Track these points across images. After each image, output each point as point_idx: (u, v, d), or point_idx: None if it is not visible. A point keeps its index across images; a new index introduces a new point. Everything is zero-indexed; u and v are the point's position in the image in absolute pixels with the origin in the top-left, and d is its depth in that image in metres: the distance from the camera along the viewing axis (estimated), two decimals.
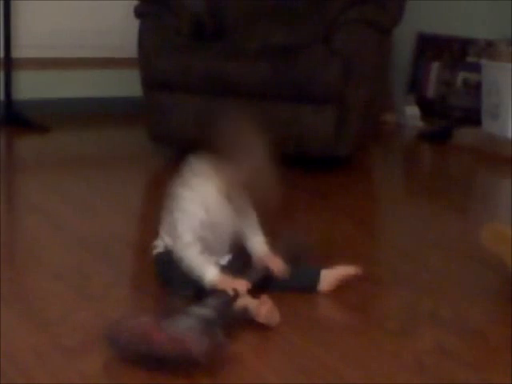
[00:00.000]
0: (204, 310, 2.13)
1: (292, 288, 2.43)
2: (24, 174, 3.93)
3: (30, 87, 5.08)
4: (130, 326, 2.03)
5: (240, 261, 2.46)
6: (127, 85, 5.11)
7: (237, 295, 2.24)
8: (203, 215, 2.33)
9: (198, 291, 2.27)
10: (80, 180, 3.78)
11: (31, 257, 2.75)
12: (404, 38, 5.28)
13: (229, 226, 2.44)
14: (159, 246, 2.46)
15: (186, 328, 2.03)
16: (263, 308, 2.19)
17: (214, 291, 2.25)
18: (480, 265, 2.80)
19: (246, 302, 2.23)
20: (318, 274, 2.47)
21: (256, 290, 2.30)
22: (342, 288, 2.49)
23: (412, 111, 5.37)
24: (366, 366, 2.06)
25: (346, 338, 2.23)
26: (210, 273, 2.28)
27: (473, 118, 4.99)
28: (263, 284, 2.39)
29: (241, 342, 2.11)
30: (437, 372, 2.05)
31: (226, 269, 2.36)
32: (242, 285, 2.27)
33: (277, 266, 2.45)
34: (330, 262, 2.54)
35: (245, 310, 2.20)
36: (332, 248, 2.95)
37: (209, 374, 1.96)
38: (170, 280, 2.37)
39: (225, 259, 2.44)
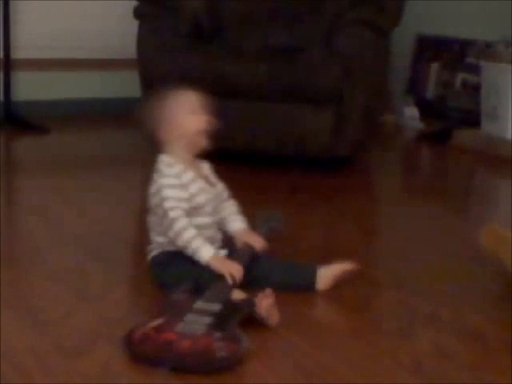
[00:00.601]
0: (210, 305, 2.14)
1: (289, 286, 2.44)
2: (23, 174, 3.93)
3: (29, 88, 5.08)
4: (148, 340, 2.02)
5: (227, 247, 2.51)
6: (126, 86, 5.12)
7: (235, 283, 2.27)
8: (184, 196, 2.40)
9: (197, 285, 2.27)
10: (79, 181, 3.79)
11: (30, 258, 2.75)
12: (403, 40, 5.29)
13: (211, 209, 2.48)
14: (153, 249, 2.48)
15: (201, 328, 2.04)
16: (265, 301, 2.19)
17: (212, 283, 2.27)
18: (479, 266, 2.80)
19: (241, 296, 2.26)
20: (314, 273, 2.47)
21: (245, 280, 2.32)
22: (342, 289, 2.49)
23: (411, 112, 5.38)
24: (364, 367, 2.06)
25: (345, 339, 2.23)
26: (206, 252, 2.35)
27: (472, 119, 4.99)
28: (250, 266, 2.41)
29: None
30: (435, 374, 2.05)
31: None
32: (237, 269, 2.33)
33: (257, 241, 2.50)
34: (327, 263, 2.54)
35: (251, 302, 2.19)
36: (331, 249, 2.95)
37: (208, 374, 1.96)
38: (167, 282, 2.38)
39: (221, 253, 2.46)
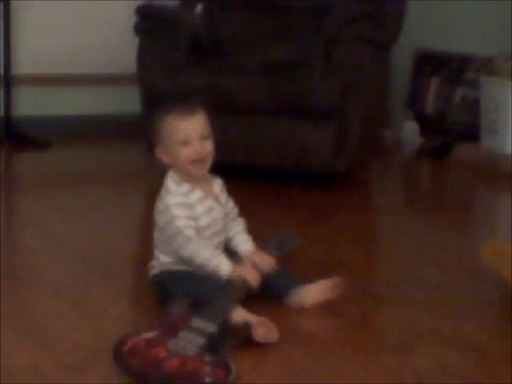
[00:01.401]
0: (205, 324, 2.12)
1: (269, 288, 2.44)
2: (24, 190, 3.94)
3: (29, 104, 5.09)
4: (138, 353, 2.01)
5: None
6: (127, 101, 5.12)
7: (228, 308, 2.25)
8: (191, 217, 2.39)
9: (195, 301, 2.27)
10: (80, 196, 3.79)
11: (31, 273, 2.75)
12: (402, 54, 5.30)
13: (218, 229, 2.47)
14: (154, 266, 2.47)
15: (192, 349, 2.01)
16: (260, 329, 2.18)
17: (211, 301, 2.25)
18: (480, 281, 2.80)
19: (244, 316, 2.23)
20: (296, 291, 2.45)
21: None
22: (342, 303, 2.48)
23: (411, 127, 5.38)
24: (365, 382, 2.06)
25: (346, 354, 2.22)
26: (224, 265, 2.35)
27: (472, 133, 4.99)
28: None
29: (238, 356, 2.11)
30: None
31: None
32: (255, 276, 2.35)
33: (266, 261, 2.47)
34: (328, 278, 2.54)
35: (247, 325, 2.19)
36: (330, 264, 2.95)
37: None
38: (168, 300, 2.37)
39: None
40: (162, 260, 2.44)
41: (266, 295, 2.43)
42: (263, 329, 2.18)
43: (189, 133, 2.41)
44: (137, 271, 2.86)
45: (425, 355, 2.22)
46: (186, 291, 2.31)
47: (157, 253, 2.47)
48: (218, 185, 2.52)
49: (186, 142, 2.41)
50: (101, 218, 3.45)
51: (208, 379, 1.94)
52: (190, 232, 2.36)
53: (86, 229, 3.29)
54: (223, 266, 2.35)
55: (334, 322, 2.43)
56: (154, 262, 2.48)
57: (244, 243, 2.55)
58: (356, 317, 2.47)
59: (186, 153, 2.40)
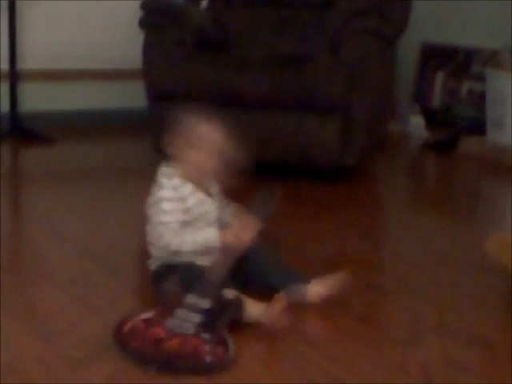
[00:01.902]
0: (200, 300, 2.13)
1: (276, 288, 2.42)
2: (29, 185, 3.94)
3: (35, 99, 5.09)
4: (137, 334, 2.05)
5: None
6: (132, 96, 5.13)
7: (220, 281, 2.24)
8: (180, 209, 2.37)
9: (186, 277, 2.27)
10: (85, 191, 3.79)
11: (36, 268, 2.75)
12: (408, 48, 5.29)
13: (211, 219, 2.46)
14: (151, 263, 2.47)
15: (190, 327, 2.04)
16: (275, 308, 2.19)
17: (203, 277, 2.25)
18: (486, 274, 2.79)
19: (256, 310, 2.24)
20: (306, 284, 2.45)
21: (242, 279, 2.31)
22: (349, 297, 2.48)
23: (417, 121, 5.37)
24: (371, 375, 2.06)
25: (352, 347, 2.22)
26: (211, 234, 2.34)
27: (478, 127, 4.98)
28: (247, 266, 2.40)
29: (244, 350, 2.11)
30: (443, 382, 2.04)
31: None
32: (249, 230, 2.33)
33: (250, 222, 2.45)
34: (335, 271, 2.53)
35: (238, 299, 2.20)
36: (338, 257, 2.95)
37: (208, 378, 1.96)
38: (167, 295, 2.37)
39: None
40: (156, 255, 2.44)
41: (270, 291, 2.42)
42: (278, 309, 2.19)
43: (215, 145, 2.40)
44: (142, 266, 2.85)
45: (431, 348, 2.22)
46: (184, 283, 2.32)
47: (150, 249, 2.47)
48: (215, 187, 2.52)
49: (206, 150, 2.40)
50: (106, 214, 3.45)
51: (208, 358, 1.99)
52: (175, 226, 2.35)
53: (92, 224, 3.29)
54: (210, 236, 2.35)
55: (340, 315, 2.43)
56: (150, 260, 2.48)
57: (228, 214, 2.53)
58: (362, 310, 2.47)
59: (200, 159, 2.41)
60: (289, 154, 4.05)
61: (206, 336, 2.03)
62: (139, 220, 3.49)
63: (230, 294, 2.25)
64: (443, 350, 2.20)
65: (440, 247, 3.15)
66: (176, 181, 2.42)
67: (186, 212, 2.39)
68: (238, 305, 2.21)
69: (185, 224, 2.38)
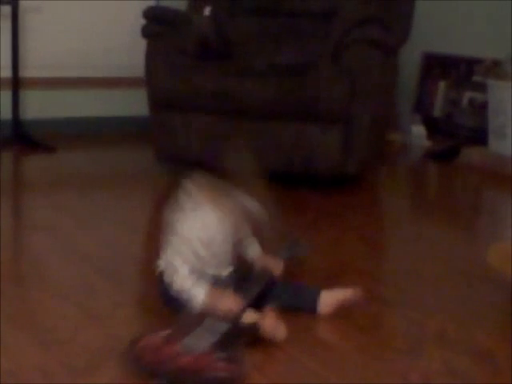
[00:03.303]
0: (218, 324, 2.13)
1: (291, 307, 2.43)
2: (31, 192, 3.94)
3: (37, 107, 5.10)
4: (150, 350, 2.04)
5: (241, 272, 2.48)
6: (134, 104, 5.14)
7: (242, 310, 2.24)
8: (200, 240, 2.34)
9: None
10: (87, 199, 3.79)
11: (38, 276, 2.75)
12: (410, 58, 5.30)
13: (226, 245, 2.45)
14: (161, 265, 2.47)
15: (205, 346, 2.04)
16: (267, 320, 2.19)
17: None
18: (487, 285, 2.79)
19: (252, 318, 2.24)
20: (317, 297, 2.46)
21: (258, 303, 2.31)
22: (349, 307, 2.48)
23: (418, 130, 5.38)
24: None
25: (353, 357, 2.22)
26: (199, 298, 2.29)
27: (479, 137, 4.99)
28: (265, 297, 2.39)
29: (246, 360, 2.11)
30: None
31: (226, 281, 2.39)
32: (232, 303, 2.27)
33: (275, 265, 2.47)
34: (336, 281, 2.54)
35: (255, 326, 2.20)
36: (339, 267, 2.94)
37: None
38: (171, 298, 2.37)
39: (226, 270, 2.45)
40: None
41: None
42: (269, 320, 2.19)
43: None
44: (144, 274, 2.86)
45: (433, 359, 2.21)
46: None
47: (162, 254, 2.45)
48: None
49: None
50: (108, 221, 3.45)
51: (220, 374, 1.98)
52: (183, 271, 2.32)
53: (93, 231, 3.29)
54: (197, 296, 2.30)
55: (341, 324, 2.43)
56: (160, 261, 2.46)
57: (254, 246, 2.55)
58: (364, 320, 2.46)
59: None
60: (290, 162, 4.05)
61: (219, 354, 2.02)
62: (140, 227, 3.51)
63: (247, 317, 2.24)
64: (444, 361, 2.20)
65: (441, 257, 3.15)
66: (199, 204, 2.37)
67: (204, 235, 2.36)
68: (253, 330, 2.19)
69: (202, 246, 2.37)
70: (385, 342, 2.34)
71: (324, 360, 2.18)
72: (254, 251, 2.55)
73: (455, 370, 2.15)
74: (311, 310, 2.45)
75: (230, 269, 2.47)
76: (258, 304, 2.33)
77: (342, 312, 2.46)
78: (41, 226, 3.33)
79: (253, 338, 2.17)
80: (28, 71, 5.02)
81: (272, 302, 2.35)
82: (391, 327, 2.50)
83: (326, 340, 2.37)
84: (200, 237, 2.35)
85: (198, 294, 2.29)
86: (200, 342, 2.06)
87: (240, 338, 2.13)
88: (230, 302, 2.27)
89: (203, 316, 2.18)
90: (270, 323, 2.20)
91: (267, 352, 2.17)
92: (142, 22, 4.34)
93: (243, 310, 2.25)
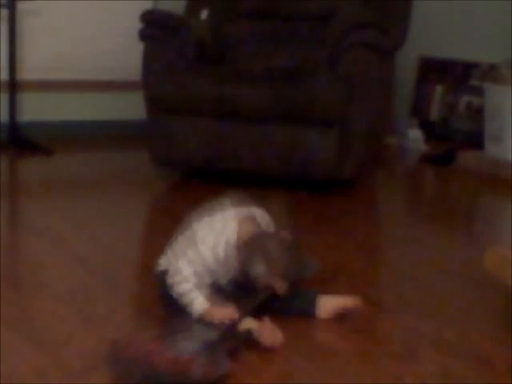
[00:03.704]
0: (208, 333, 2.13)
1: (289, 312, 2.43)
2: (27, 196, 3.94)
3: (34, 109, 5.10)
4: (133, 345, 2.05)
5: (241, 281, 2.45)
6: (131, 107, 5.14)
7: (237, 321, 2.24)
8: (211, 260, 2.33)
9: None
10: (83, 202, 3.79)
11: (34, 279, 2.75)
12: (407, 62, 5.31)
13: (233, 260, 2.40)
14: (162, 263, 2.46)
15: (188, 351, 2.03)
16: (266, 332, 2.19)
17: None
18: (483, 288, 2.79)
19: (249, 324, 2.23)
20: (315, 301, 2.46)
21: (257, 312, 2.31)
22: (348, 312, 2.48)
23: (415, 134, 5.38)
24: None
25: (350, 361, 2.22)
26: (198, 305, 2.28)
27: (476, 141, 5.00)
28: (264, 307, 2.38)
29: (241, 363, 2.11)
30: None
31: (224, 289, 2.38)
32: (230, 314, 2.25)
33: (279, 285, 2.45)
34: (332, 285, 2.54)
35: (248, 333, 2.20)
36: (335, 271, 2.94)
37: None
38: (172, 298, 2.37)
39: (225, 279, 2.44)
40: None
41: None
42: (268, 331, 2.19)
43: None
44: (140, 278, 2.86)
45: (428, 363, 2.21)
46: None
47: (168, 251, 2.44)
48: None
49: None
50: (104, 225, 3.45)
51: (195, 373, 1.97)
52: (186, 274, 2.31)
53: (89, 235, 3.29)
54: (196, 305, 2.28)
55: (337, 328, 2.43)
56: (163, 259, 2.45)
57: (259, 265, 2.48)
58: (359, 324, 2.46)
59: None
60: (287, 166, 4.05)
61: (201, 359, 2.01)
62: (137, 231, 3.51)
63: (248, 324, 2.24)
64: (441, 365, 2.20)
65: (438, 261, 3.15)
66: (225, 224, 2.34)
67: (215, 256, 2.34)
68: (245, 337, 2.19)
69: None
70: (381, 346, 2.34)
71: (321, 364, 2.18)
72: (260, 270, 2.51)
73: (452, 374, 2.15)
74: (309, 313, 2.45)
75: (230, 277, 2.46)
76: (255, 313, 2.33)
77: (338, 315, 2.46)
78: (37, 229, 3.33)
79: (243, 344, 2.17)
80: (25, 74, 5.02)
81: (268, 308, 2.36)
82: (387, 331, 2.49)
83: (322, 344, 2.37)
84: (209, 261, 2.33)
85: (197, 299, 2.29)
86: (183, 346, 2.05)
87: (227, 345, 2.11)
88: (226, 313, 2.26)
89: (193, 322, 2.17)
90: (267, 333, 2.20)
91: (264, 356, 2.17)
92: (139, 25, 4.34)
93: (238, 322, 2.24)
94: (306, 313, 2.45)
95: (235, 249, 2.32)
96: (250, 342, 2.18)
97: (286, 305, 2.43)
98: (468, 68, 5.25)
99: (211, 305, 2.28)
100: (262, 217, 2.43)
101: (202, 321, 2.19)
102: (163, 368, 1.97)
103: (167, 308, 2.38)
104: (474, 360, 2.25)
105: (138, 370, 1.98)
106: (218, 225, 2.34)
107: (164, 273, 2.43)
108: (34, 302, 2.54)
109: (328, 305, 2.45)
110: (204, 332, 2.13)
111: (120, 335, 2.19)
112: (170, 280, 2.34)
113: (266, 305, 2.38)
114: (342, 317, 2.45)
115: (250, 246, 2.30)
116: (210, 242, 2.32)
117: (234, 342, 2.15)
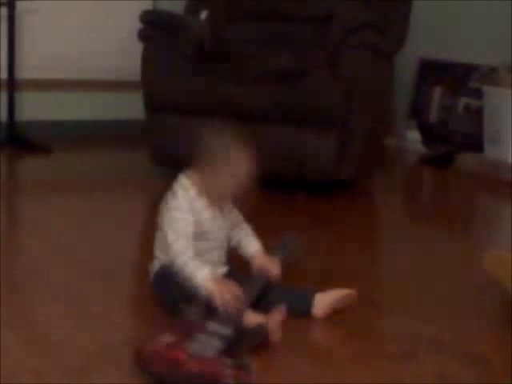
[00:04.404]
0: (221, 327, 2.13)
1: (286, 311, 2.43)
2: (26, 195, 3.94)
3: (32, 109, 5.10)
4: (160, 355, 2.03)
5: (239, 272, 2.49)
6: (130, 107, 5.13)
7: (242, 311, 2.24)
8: (191, 221, 2.38)
9: (207, 307, 2.26)
10: (82, 201, 3.79)
11: (32, 278, 2.74)
12: (406, 63, 5.30)
13: (221, 236, 2.49)
14: (155, 265, 2.47)
15: (212, 351, 2.03)
16: (273, 321, 2.21)
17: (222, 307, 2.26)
18: (482, 290, 2.79)
19: (256, 319, 2.24)
20: (311, 299, 2.46)
21: (256, 304, 2.32)
22: (344, 312, 2.48)
23: (414, 136, 5.39)
24: None
25: (347, 362, 2.22)
26: (200, 274, 2.30)
27: (474, 143, 5.00)
28: (262, 296, 2.40)
29: None
30: None
31: (225, 278, 2.40)
32: (234, 289, 2.28)
33: (272, 267, 2.47)
34: (331, 285, 2.54)
35: (261, 327, 2.20)
36: (333, 272, 2.94)
37: None
38: (168, 297, 2.37)
39: (223, 269, 2.47)
40: (162, 259, 2.45)
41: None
42: (277, 322, 2.21)
43: (241, 173, 2.41)
44: (138, 277, 2.86)
45: (425, 364, 2.21)
46: (185, 290, 2.32)
47: (157, 252, 2.47)
48: (227, 206, 2.52)
49: (240, 178, 2.40)
50: (102, 225, 3.45)
51: (228, 381, 1.96)
52: (180, 243, 2.36)
53: (88, 235, 3.29)
54: (198, 275, 2.31)
55: (335, 329, 2.43)
56: (154, 262, 2.48)
57: (252, 244, 2.55)
58: (357, 325, 2.46)
59: (223, 183, 2.41)
60: (286, 167, 4.05)
61: (227, 361, 2.01)
62: (135, 231, 3.51)
63: (254, 319, 2.25)
64: (439, 367, 2.20)
65: (436, 262, 3.15)
66: (192, 193, 2.43)
67: (197, 225, 2.40)
68: (260, 333, 2.19)
69: (195, 236, 2.39)
70: (379, 347, 2.34)
71: (318, 364, 2.18)
72: (253, 248, 2.54)
73: (448, 376, 2.15)
74: (305, 312, 2.45)
75: (226, 268, 2.48)
76: (255, 305, 2.34)
77: (336, 316, 2.46)
78: (35, 228, 3.33)
79: (260, 340, 2.18)
80: (24, 73, 5.02)
81: (276, 303, 2.37)
82: (385, 332, 2.50)
83: (320, 344, 2.37)
84: (190, 221, 2.38)
85: (198, 269, 2.31)
86: (206, 348, 2.04)
87: (246, 343, 2.12)
88: (229, 289, 2.28)
89: (205, 320, 2.17)
90: (275, 325, 2.20)
91: (264, 357, 2.17)
92: (139, 25, 4.33)
93: (244, 310, 2.25)
94: (303, 312, 2.45)
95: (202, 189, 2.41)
96: (263, 338, 2.18)
97: (283, 304, 2.43)
98: (467, 70, 5.26)
99: (214, 281, 2.30)
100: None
101: (212, 317, 2.18)
102: (193, 375, 1.96)
103: (164, 309, 2.38)
104: (472, 361, 2.25)
105: (168, 379, 1.98)
106: (176, 190, 2.43)
107: (156, 274, 2.44)
108: (31, 301, 2.54)
109: (323, 301, 2.45)
110: (219, 328, 2.13)
111: (118, 337, 2.18)
112: (171, 255, 2.36)
113: (263, 296, 2.39)
114: (340, 317, 2.45)
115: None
116: (181, 204, 2.39)
117: (249, 340, 2.16)
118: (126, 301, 2.63)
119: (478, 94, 5.05)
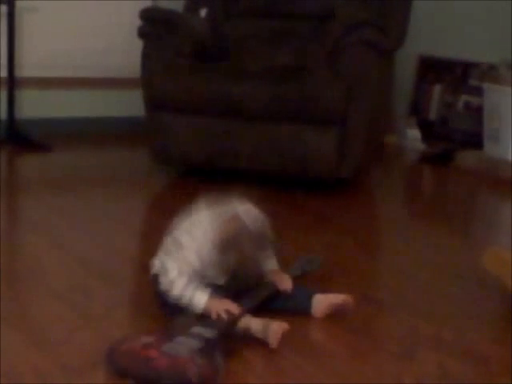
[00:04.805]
0: (206, 330, 2.13)
1: (284, 310, 2.43)
2: (26, 193, 3.94)
3: (32, 106, 5.09)
4: (131, 349, 2.04)
5: (238, 280, 2.45)
6: (129, 105, 5.13)
7: (238, 317, 2.24)
8: (197, 264, 2.33)
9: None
10: (82, 199, 3.79)
11: (32, 276, 2.74)
12: (406, 61, 5.30)
13: (222, 276, 2.42)
14: (156, 265, 2.46)
15: (185, 351, 2.03)
16: (279, 328, 2.21)
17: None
18: (482, 288, 2.80)
19: (249, 322, 2.23)
20: (311, 299, 2.46)
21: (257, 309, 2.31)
22: (343, 310, 2.48)
23: (413, 134, 5.38)
24: None
25: (347, 360, 2.22)
26: (197, 301, 2.28)
27: (474, 140, 5.00)
28: (264, 304, 2.39)
29: (241, 362, 2.11)
30: None
31: (222, 289, 2.37)
32: (228, 306, 2.26)
33: (284, 281, 2.46)
34: (331, 284, 2.54)
35: (247, 331, 2.20)
36: (334, 270, 2.94)
37: None
38: (167, 300, 2.37)
39: (221, 280, 2.44)
40: (163, 258, 2.43)
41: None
42: (280, 332, 2.21)
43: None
44: (139, 274, 2.86)
45: (426, 362, 2.21)
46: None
47: (160, 253, 2.45)
48: None
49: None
50: (102, 222, 3.44)
51: (195, 379, 1.96)
52: (175, 274, 2.32)
53: (88, 232, 3.29)
54: (197, 304, 2.29)
55: (335, 327, 2.43)
56: (155, 260, 2.45)
57: (270, 263, 2.50)
58: (357, 323, 2.46)
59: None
60: (286, 164, 4.05)
61: (198, 360, 2.01)
62: (135, 228, 3.51)
63: (254, 323, 2.25)
64: (439, 365, 2.20)
65: (436, 260, 3.15)
66: (203, 231, 2.35)
67: (200, 263, 2.35)
68: (242, 337, 2.20)
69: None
70: (379, 345, 2.35)
71: (318, 363, 2.18)
72: (271, 265, 2.50)
73: (448, 374, 2.15)
74: (304, 311, 2.45)
75: (226, 278, 2.46)
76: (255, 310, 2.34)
77: (336, 315, 2.46)
78: (35, 226, 3.33)
79: (241, 343, 2.18)
80: (24, 71, 5.01)
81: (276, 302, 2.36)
82: (385, 330, 2.50)
83: (320, 343, 2.37)
84: (195, 266, 2.33)
85: (195, 295, 2.29)
86: (181, 347, 2.05)
87: (225, 344, 2.12)
88: (224, 304, 2.27)
89: (193, 322, 2.17)
90: (275, 337, 2.20)
91: (262, 356, 2.17)
92: (139, 22, 4.33)
93: (239, 318, 2.24)
94: (301, 311, 2.45)
95: (216, 250, 2.32)
96: (249, 340, 2.18)
97: (282, 302, 2.43)
98: (467, 68, 5.25)
99: (210, 298, 2.29)
100: (245, 212, 2.38)
101: (202, 321, 2.18)
102: (161, 372, 1.97)
103: (162, 308, 2.38)
104: (472, 360, 2.25)
105: (136, 372, 1.99)
106: (197, 230, 2.34)
107: (156, 276, 2.44)
108: (31, 299, 2.54)
109: (322, 303, 2.46)
110: (203, 330, 2.13)
111: (118, 335, 2.19)
112: (162, 286, 2.34)
113: (266, 302, 2.39)
114: (340, 315, 2.45)
115: (225, 246, 2.30)
116: (193, 247, 2.32)
117: (232, 338, 2.15)
118: (126, 298, 2.64)
119: (478, 91, 5.05)
